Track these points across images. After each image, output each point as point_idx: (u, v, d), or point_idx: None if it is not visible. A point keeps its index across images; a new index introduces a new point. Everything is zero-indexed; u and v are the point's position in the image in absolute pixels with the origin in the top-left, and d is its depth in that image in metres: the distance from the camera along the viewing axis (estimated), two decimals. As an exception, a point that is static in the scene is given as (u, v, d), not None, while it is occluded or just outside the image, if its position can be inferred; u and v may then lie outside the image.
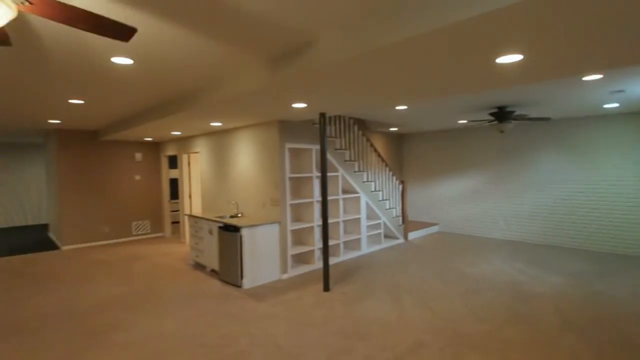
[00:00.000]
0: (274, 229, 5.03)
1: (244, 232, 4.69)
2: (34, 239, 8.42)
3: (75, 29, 2.28)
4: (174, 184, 10.10)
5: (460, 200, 8.09)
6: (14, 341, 3.39)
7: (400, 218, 7.25)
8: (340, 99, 3.59)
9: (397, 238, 7.22)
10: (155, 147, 8.62)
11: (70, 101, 4.46)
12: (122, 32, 1.76)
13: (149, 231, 8.56)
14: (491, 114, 5.20)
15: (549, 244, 6.83)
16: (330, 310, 3.99)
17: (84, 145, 7.58)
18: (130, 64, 3.01)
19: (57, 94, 4.02)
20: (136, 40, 2.50)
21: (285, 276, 5.14)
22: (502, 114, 5.05)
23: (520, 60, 2.43)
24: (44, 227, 10.17)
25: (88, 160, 7.63)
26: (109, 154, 7.91)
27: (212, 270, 5.52)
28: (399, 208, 7.30)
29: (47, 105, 4.64)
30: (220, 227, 5.06)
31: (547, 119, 5.16)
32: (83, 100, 4.42)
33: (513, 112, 5.06)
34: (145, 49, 2.65)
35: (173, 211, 9.75)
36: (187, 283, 4.99)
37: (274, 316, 3.85)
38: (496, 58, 2.37)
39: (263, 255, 4.91)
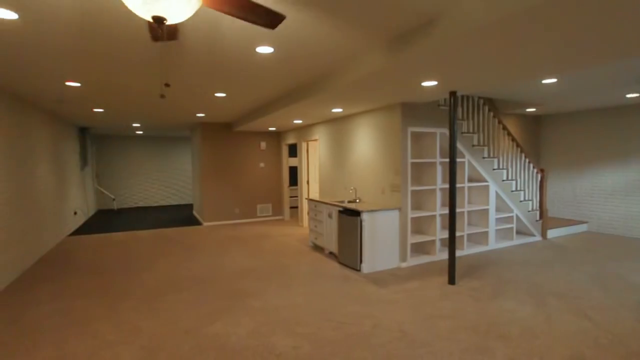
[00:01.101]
0: (394, 216, 4.89)
1: (365, 217, 4.68)
2: (182, 216, 10.06)
3: (230, 23, 2.52)
4: (292, 171, 10.81)
5: (621, 196, 6.60)
6: (175, 295, 4.06)
7: (538, 213, 6.29)
8: (478, 72, 3.21)
9: (532, 235, 6.30)
10: (277, 136, 9.33)
11: (216, 94, 5.08)
12: (272, 20, 1.84)
13: (270, 214, 9.35)
14: (682, 82, 4.02)
15: None
16: (458, 304, 3.68)
17: (221, 136, 8.66)
18: (271, 53, 3.22)
19: (206, 87, 4.61)
20: (279, 27, 2.63)
21: (404, 265, 4.97)
22: (701, 81, 3.85)
23: None
24: (190, 207, 12.07)
25: (223, 149, 8.71)
26: (239, 143, 8.88)
27: (331, 253, 5.69)
28: (536, 201, 6.34)
29: (197, 99, 5.39)
30: (340, 211, 5.16)
31: None
32: (225, 93, 4.99)
33: None
34: (285, 37, 2.77)
35: (291, 197, 10.45)
36: (308, 262, 5.26)
37: (396, 302, 3.74)
38: None
39: (382, 241, 4.82)
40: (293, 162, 10.63)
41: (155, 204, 12.46)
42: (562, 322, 3.25)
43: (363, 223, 4.69)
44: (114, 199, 11.63)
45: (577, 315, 3.37)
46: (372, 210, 4.71)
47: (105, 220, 9.56)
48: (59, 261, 5.53)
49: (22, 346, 2.96)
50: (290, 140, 8.65)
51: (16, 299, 4.00)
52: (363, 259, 4.73)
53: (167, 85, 2.11)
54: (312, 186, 8.05)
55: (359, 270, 4.78)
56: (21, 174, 5.08)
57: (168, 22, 1.60)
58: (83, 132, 9.41)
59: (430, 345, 2.89)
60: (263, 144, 9.12)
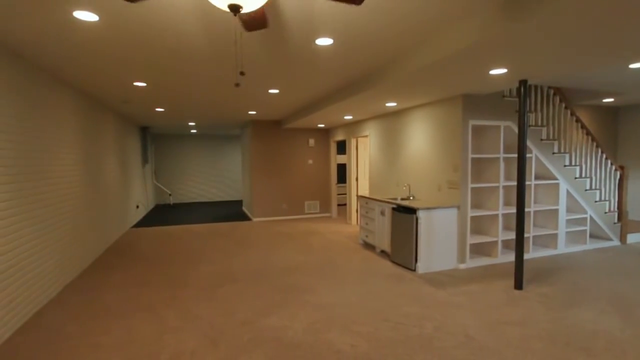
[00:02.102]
0: (453, 214, 4.63)
1: (421, 214, 4.47)
2: (233, 211, 10.39)
3: (292, 14, 2.48)
4: (340, 168, 10.74)
5: None
6: (231, 287, 4.15)
7: (616, 214, 5.66)
8: (559, 54, 2.91)
9: (608, 239, 5.68)
10: (326, 133, 9.30)
11: (270, 91, 5.13)
12: None
13: (318, 211, 9.35)
14: None
15: None
16: (528, 310, 3.38)
17: (270, 134, 8.81)
18: (330, 44, 3.15)
19: (261, 84, 4.66)
20: (339, 16, 2.55)
21: (462, 266, 4.69)
22: None
23: None
24: (239, 203, 12.46)
25: (272, 146, 8.85)
26: (288, 140, 8.97)
27: (382, 251, 5.54)
28: (614, 201, 5.71)
29: (251, 96, 5.49)
30: (393, 209, 4.99)
31: None
32: (279, 89, 5.02)
33: None
34: (346, 24, 2.68)
35: (339, 194, 10.40)
36: (359, 260, 5.15)
37: (457, 305, 3.52)
38: None
39: (439, 240, 4.59)
40: (341, 159, 10.57)
41: (207, 200, 13.02)
42: (658, 337, 2.86)
43: (419, 221, 4.49)
44: (170, 195, 12.32)
45: (676, 331, 2.94)
46: (429, 208, 4.49)
47: (162, 214, 10.14)
48: (125, 251, 5.93)
49: (97, 328, 3.17)
50: (339, 137, 8.58)
51: (89, 284, 4.33)
52: (418, 258, 4.53)
53: (242, 73, 2.12)
54: (361, 183, 7.92)
55: (414, 270, 4.58)
56: (94, 168, 5.50)
57: (243, 10, 1.58)
58: (144, 131, 10.04)
59: (500, 353, 2.66)
60: (311, 141, 9.14)
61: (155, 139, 12.30)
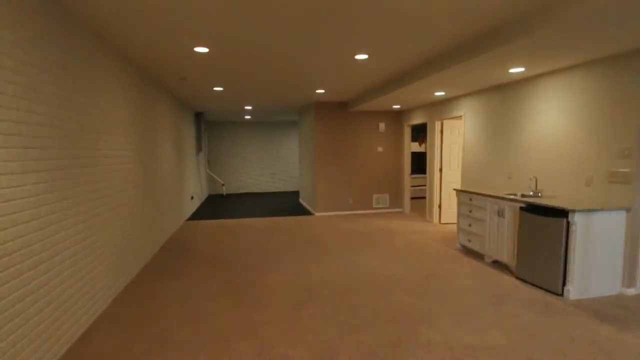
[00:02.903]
0: (619, 219, 3.30)
1: (578, 219, 3.20)
2: (289, 204, 9.55)
3: None
4: (414, 157, 9.43)
5: None
6: (317, 309, 3.18)
7: None
8: None
9: None
10: (398, 116, 8.06)
11: (357, 57, 4.05)
12: None
13: (387, 205, 8.21)
14: None
15: None
16: None
17: (335, 118, 7.75)
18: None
19: (347, 46, 3.59)
20: None
21: (631, 291, 3.36)
22: None
23: None
24: (294, 194, 11.63)
25: (337, 132, 7.79)
26: (354, 125, 7.86)
27: (495, 262, 4.32)
28: None
29: (330, 65, 4.44)
30: (521, 208, 3.74)
31: None
32: (368, 54, 3.94)
33: None
34: None
35: (412, 186, 9.17)
36: (468, 273, 3.98)
37: (675, 365, 2.27)
38: None
39: (599, 255, 3.30)
40: (414, 147, 9.29)
41: (261, 190, 12.36)
42: None
43: (572, 228, 3.22)
44: (223, 185, 11.79)
45: None
46: (589, 210, 3.20)
47: (216, 205, 9.55)
48: (182, 250, 5.22)
49: (156, 369, 2.33)
50: (416, 120, 7.32)
51: (144, 290, 3.58)
52: (568, 279, 3.27)
53: None
54: (446, 174, 6.65)
55: (561, 295, 3.34)
56: (150, 155, 4.78)
57: None
58: (198, 117, 9.45)
59: None
60: (382, 125, 7.96)
61: (208, 126, 11.78)
